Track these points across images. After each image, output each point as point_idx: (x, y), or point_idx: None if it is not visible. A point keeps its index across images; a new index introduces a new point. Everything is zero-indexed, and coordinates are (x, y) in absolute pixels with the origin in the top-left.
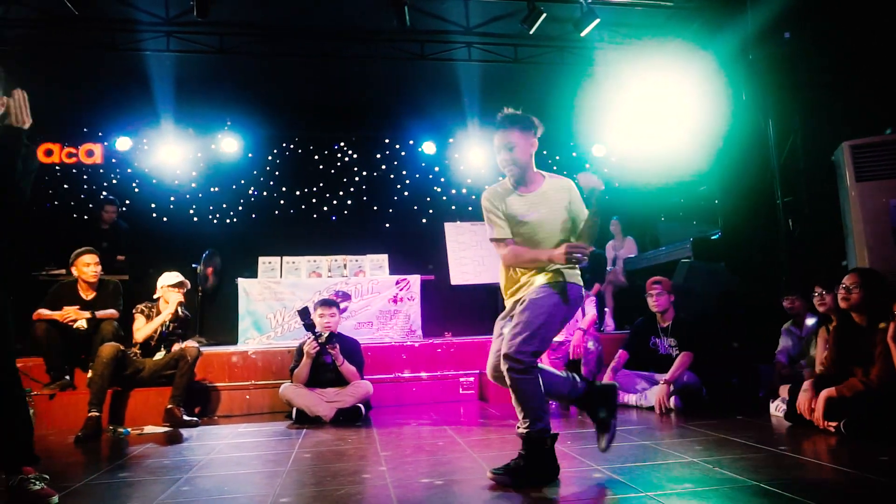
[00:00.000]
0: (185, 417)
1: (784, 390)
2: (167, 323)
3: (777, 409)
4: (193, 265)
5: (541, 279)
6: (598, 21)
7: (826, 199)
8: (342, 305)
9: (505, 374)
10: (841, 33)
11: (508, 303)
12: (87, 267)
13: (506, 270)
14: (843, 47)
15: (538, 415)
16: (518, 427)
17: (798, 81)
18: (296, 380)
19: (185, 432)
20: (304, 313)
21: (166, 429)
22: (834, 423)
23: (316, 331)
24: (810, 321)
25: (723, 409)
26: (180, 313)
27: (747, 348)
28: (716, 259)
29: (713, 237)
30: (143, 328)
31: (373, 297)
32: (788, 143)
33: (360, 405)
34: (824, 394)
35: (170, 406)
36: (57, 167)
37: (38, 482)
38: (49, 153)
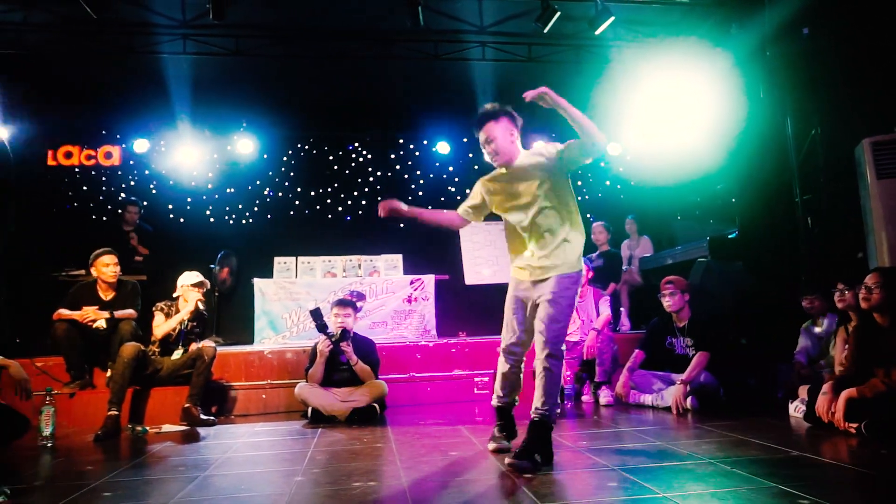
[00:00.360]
0: (203, 416)
1: (803, 391)
2: (186, 322)
3: (796, 409)
4: (211, 266)
5: (560, 269)
6: (612, 19)
7: (846, 196)
8: (357, 305)
9: (546, 365)
10: (860, 28)
11: (521, 278)
12: (107, 267)
13: (516, 246)
14: (863, 42)
15: (556, 400)
16: (534, 412)
17: (817, 78)
18: (311, 379)
19: (202, 431)
20: (317, 314)
21: (184, 427)
22: (855, 425)
23: (328, 330)
24: (829, 321)
25: (740, 409)
26: (200, 308)
27: (766, 348)
28: (733, 258)
29: (730, 236)
30: (162, 325)
31: (387, 296)
32: (807, 140)
33: (374, 405)
34: (845, 394)
35: (187, 405)
36: (76, 169)
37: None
38: (69, 155)
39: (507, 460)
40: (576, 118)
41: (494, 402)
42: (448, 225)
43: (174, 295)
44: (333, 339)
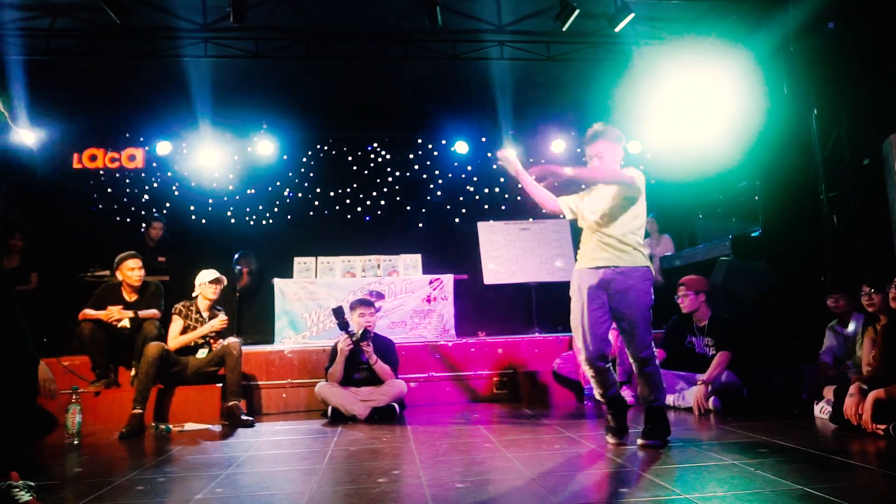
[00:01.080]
0: (244, 417)
1: (829, 391)
2: (199, 339)
3: (822, 410)
4: (237, 267)
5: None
6: (632, 16)
7: (873, 193)
8: (377, 305)
9: (642, 368)
10: (887, 22)
11: (590, 269)
12: (132, 271)
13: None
14: (889, 36)
15: (663, 392)
16: (645, 402)
17: (843, 73)
18: (330, 378)
19: (220, 429)
20: (339, 312)
21: (206, 426)
22: (883, 426)
23: (350, 329)
24: (856, 320)
25: (764, 410)
26: (222, 328)
27: (790, 348)
28: (756, 257)
29: (753, 234)
30: (177, 338)
31: (406, 296)
32: (833, 136)
33: (394, 404)
34: (872, 395)
35: (231, 403)
36: (101, 172)
37: (25, 492)
38: (93, 158)
39: (639, 441)
40: (588, 179)
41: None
42: (542, 202)
43: (193, 294)
44: (354, 339)
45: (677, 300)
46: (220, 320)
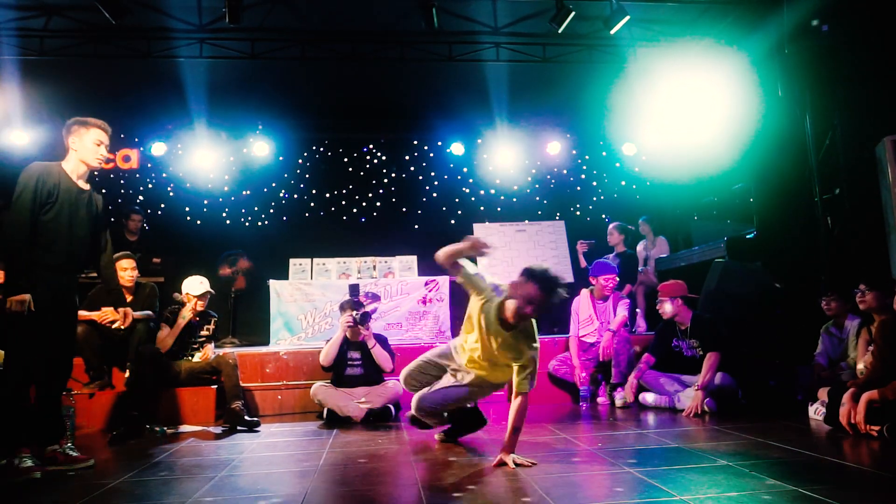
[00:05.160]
0: (248, 417)
1: (823, 393)
2: (185, 329)
3: (816, 412)
4: (228, 267)
5: None
6: (627, 18)
7: (867, 195)
8: (372, 307)
9: None
10: (881, 24)
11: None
12: (124, 272)
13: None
14: (883, 38)
15: None
16: None
17: (837, 75)
18: (323, 361)
19: (216, 430)
20: (354, 289)
21: (202, 427)
22: (876, 427)
23: (355, 307)
24: (850, 322)
25: (759, 411)
26: (197, 318)
27: (785, 350)
28: (751, 258)
29: (748, 236)
30: (164, 340)
31: (402, 298)
32: (827, 138)
33: (390, 406)
34: (865, 396)
35: (233, 405)
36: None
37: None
38: None
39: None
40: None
41: None
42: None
43: (176, 297)
44: (355, 318)
45: (657, 307)
46: (188, 307)
